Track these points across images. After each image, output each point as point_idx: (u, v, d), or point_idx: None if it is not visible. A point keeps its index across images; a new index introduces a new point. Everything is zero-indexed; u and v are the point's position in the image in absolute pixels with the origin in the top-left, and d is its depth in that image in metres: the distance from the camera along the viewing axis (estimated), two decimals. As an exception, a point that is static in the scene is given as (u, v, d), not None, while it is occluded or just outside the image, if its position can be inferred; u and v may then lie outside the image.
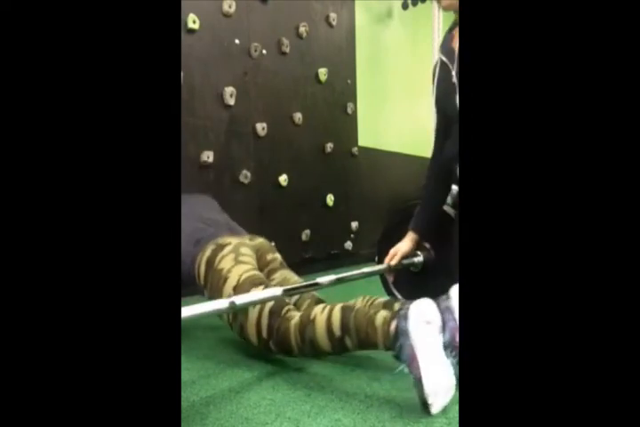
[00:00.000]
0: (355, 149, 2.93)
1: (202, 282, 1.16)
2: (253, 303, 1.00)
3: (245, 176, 2.17)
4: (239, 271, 1.09)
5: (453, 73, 1.23)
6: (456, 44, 1.23)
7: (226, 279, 1.09)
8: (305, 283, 1.17)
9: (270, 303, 1.02)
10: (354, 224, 2.92)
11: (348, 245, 2.87)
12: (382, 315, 0.90)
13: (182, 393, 0.94)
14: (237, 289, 1.05)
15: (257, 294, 1.01)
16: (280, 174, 2.38)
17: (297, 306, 1.16)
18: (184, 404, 0.89)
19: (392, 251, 1.42)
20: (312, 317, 0.96)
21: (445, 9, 1.21)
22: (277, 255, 1.33)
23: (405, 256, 1.41)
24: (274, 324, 1.00)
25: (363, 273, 1.42)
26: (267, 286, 1.06)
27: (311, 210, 2.60)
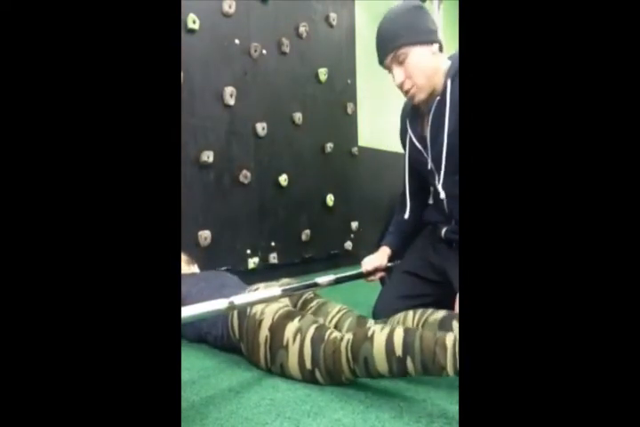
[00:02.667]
0: (355, 149, 2.93)
1: (237, 335, 1.09)
2: (253, 303, 0.99)
3: (245, 176, 2.17)
4: (272, 310, 1.04)
5: (429, 160, 1.20)
6: (427, 132, 1.19)
7: (260, 322, 1.02)
8: (304, 283, 1.17)
9: (310, 333, 0.96)
10: (354, 224, 2.92)
11: (348, 245, 2.87)
12: (454, 335, 0.81)
13: (182, 393, 0.94)
14: (273, 328, 1.00)
15: (256, 294, 1.01)
16: (280, 174, 2.38)
17: (338, 328, 1.11)
18: (184, 404, 0.89)
19: (368, 266, 1.36)
20: (369, 334, 0.87)
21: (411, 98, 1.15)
22: None
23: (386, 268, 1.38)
24: (318, 351, 0.93)
25: (362, 273, 1.42)
26: (303, 318, 1.01)
27: (311, 210, 2.61)
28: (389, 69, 1.13)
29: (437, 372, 0.80)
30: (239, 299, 0.95)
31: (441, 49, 1.13)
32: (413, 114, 1.25)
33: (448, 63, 1.15)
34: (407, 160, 1.30)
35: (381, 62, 1.14)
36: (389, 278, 1.40)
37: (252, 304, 1.01)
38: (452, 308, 1.11)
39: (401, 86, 1.13)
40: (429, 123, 1.16)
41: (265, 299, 1.01)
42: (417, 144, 1.23)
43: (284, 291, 1.05)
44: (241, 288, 1.27)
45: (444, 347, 0.79)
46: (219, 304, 0.90)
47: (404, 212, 1.34)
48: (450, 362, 0.78)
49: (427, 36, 1.09)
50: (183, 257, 1.58)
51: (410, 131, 1.25)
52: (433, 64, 1.11)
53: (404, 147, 1.33)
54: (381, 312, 1.24)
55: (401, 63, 1.09)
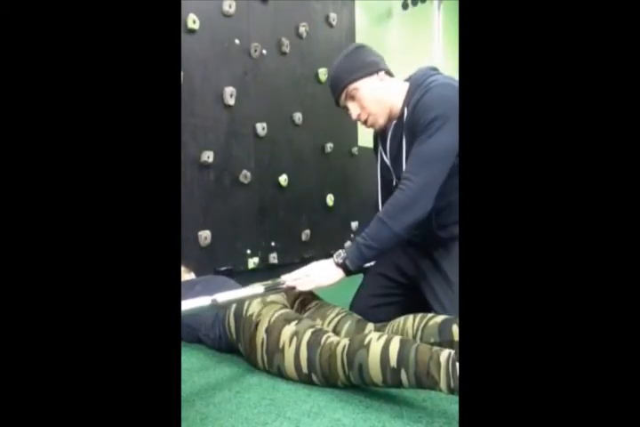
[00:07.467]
0: (355, 149, 2.93)
1: (234, 336, 1.10)
2: (236, 301, 0.99)
3: (245, 176, 2.17)
4: (269, 312, 1.04)
5: (394, 177, 1.29)
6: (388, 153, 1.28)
7: (257, 323, 1.03)
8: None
9: (307, 336, 0.96)
10: (354, 224, 2.92)
11: (348, 245, 2.87)
12: (448, 351, 0.80)
13: (182, 393, 0.94)
14: (270, 330, 1.00)
15: (239, 291, 1.01)
16: (280, 174, 2.38)
17: (336, 332, 1.11)
18: (184, 404, 0.89)
19: None
20: (366, 342, 0.87)
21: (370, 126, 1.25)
22: None
23: None
24: (314, 355, 0.93)
25: None
26: (300, 322, 1.00)
27: (311, 210, 2.60)
28: (346, 108, 1.23)
29: (431, 386, 0.79)
30: (222, 296, 0.94)
31: (389, 74, 1.22)
32: (382, 132, 1.32)
33: (404, 85, 1.22)
34: (379, 172, 1.36)
35: (337, 104, 1.24)
36: (365, 278, 1.46)
37: (236, 302, 1.00)
38: (421, 308, 1.17)
39: (359, 118, 1.22)
40: (388, 145, 1.27)
41: (248, 296, 1.01)
42: (386, 161, 1.30)
43: (266, 288, 1.04)
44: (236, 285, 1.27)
45: (438, 363, 0.78)
46: (201, 301, 0.90)
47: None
48: (442, 378, 0.77)
49: (370, 69, 1.19)
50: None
51: (380, 147, 1.32)
52: (383, 90, 1.20)
53: (376, 156, 1.39)
54: (357, 307, 1.33)
55: (353, 98, 1.20)
